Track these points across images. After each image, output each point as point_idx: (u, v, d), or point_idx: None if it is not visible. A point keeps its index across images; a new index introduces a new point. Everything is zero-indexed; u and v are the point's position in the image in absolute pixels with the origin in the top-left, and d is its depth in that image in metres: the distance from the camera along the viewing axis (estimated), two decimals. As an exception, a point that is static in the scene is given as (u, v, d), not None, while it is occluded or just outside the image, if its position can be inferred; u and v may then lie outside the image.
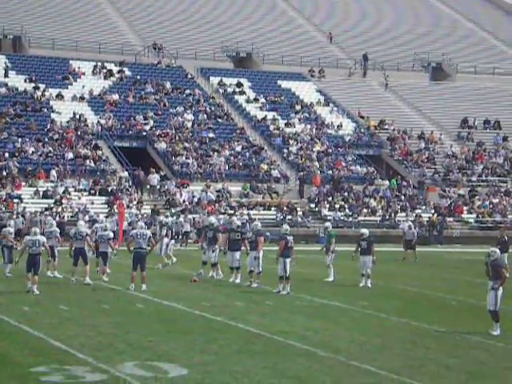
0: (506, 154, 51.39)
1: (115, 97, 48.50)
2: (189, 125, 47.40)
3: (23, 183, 39.08)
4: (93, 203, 38.31)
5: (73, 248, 20.62)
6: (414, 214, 42.30)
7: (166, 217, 30.89)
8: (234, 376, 10.90)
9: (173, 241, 27.17)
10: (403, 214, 42.06)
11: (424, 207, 44.35)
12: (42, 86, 47.69)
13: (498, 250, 15.18)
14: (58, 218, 34.55)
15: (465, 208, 45.11)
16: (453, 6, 75.19)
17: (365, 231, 22.15)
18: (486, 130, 54.64)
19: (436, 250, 38.00)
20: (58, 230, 22.43)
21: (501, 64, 63.34)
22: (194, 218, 37.44)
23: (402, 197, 45.08)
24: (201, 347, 12.75)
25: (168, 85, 51.20)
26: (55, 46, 52.91)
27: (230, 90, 52.75)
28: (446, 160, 49.69)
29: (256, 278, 20.54)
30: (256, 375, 11.00)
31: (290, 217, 40.63)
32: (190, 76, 53.42)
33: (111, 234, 21.94)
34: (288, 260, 19.46)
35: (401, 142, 50.60)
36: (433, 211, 43.60)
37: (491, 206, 45.43)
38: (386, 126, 52.34)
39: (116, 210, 36.11)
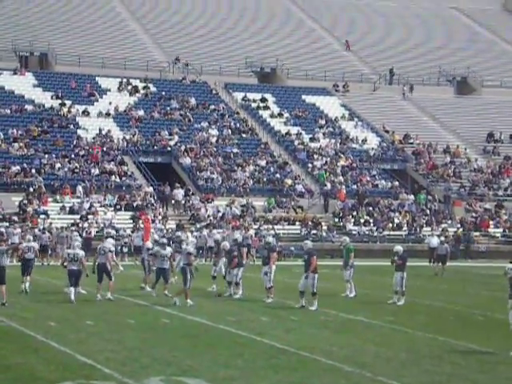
0: (532, 168, 50.94)
1: (140, 113, 48.84)
2: (213, 140, 47.57)
3: (50, 199, 39.39)
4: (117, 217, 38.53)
5: (96, 263, 20.73)
6: (440, 229, 42.02)
7: (191, 232, 31.05)
8: (260, 391, 10.87)
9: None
10: (428, 229, 41.80)
11: (450, 221, 44.05)
12: (68, 103, 48.15)
13: None
14: (84, 234, 34.81)
15: (491, 222, 44.74)
16: (478, 19, 74.93)
17: (398, 248, 21.65)
18: (513, 144, 54.24)
19: (462, 264, 37.68)
20: (83, 253, 22.43)
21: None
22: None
23: (428, 211, 44.81)
24: (226, 362, 12.73)
25: (193, 100, 51.47)
26: (81, 62, 53.43)
27: (254, 105, 52.89)
28: (472, 174, 49.37)
29: (269, 293, 20.47)
30: (281, 390, 10.96)
31: (314, 231, 40.55)
32: (214, 91, 53.65)
33: (168, 251, 21.57)
34: (316, 276, 19.37)
35: (426, 156, 50.37)
36: (459, 225, 43.29)
37: (519, 220, 45.00)
38: (411, 140, 52.17)
39: (142, 225, 36.22)
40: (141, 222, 37.13)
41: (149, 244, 24.72)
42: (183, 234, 31.62)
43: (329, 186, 44.82)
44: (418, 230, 42.60)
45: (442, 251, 31.62)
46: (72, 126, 46.33)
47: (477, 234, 43.34)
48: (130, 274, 25.81)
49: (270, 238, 28.18)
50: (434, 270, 31.12)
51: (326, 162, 47.52)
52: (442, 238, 34.45)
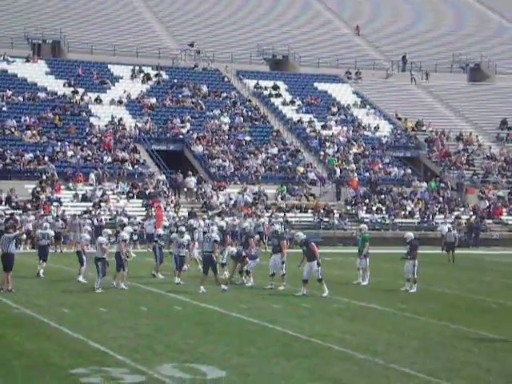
0: (546, 155, 50.67)
1: (153, 100, 48.85)
2: (225, 128, 47.54)
3: (62, 186, 39.52)
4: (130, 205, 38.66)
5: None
6: (453, 216, 41.90)
7: (204, 219, 31.08)
8: (272, 379, 10.90)
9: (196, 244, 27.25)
10: (441, 216, 41.70)
11: (463, 209, 43.91)
12: (80, 91, 48.21)
13: None
14: (96, 222, 34.93)
15: (504, 210, 44.56)
16: (492, 6, 74.37)
17: (408, 235, 21.58)
18: (526, 131, 53.93)
19: (475, 252, 37.59)
20: (89, 237, 22.69)
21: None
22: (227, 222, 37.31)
23: (441, 199, 44.68)
24: (238, 349, 12.77)
25: (205, 88, 51.43)
26: (93, 50, 53.44)
27: (266, 92, 52.80)
28: (485, 161, 49.15)
29: (282, 281, 20.52)
30: (294, 378, 10.99)
31: (326, 219, 40.52)
32: (226, 79, 53.58)
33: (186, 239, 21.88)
34: (317, 262, 19.42)
35: (439, 144, 50.18)
36: (471, 213, 43.16)
37: (531, 207, 44.81)
38: (424, 128, 51.97)
39: (154, 213, 36.32)
40: (153, 209, 37.27)
41: (160, 230, 24.84)
42: (195, 222, 31.68)
43: (338, 171, 44.77)
44: (431, 217, 42.49)
45: (451, 239, 31.66)
46: (84, 114, 46.40)
47: (490, 221, 43.18)
48: (143, 261, 25.88)
49: (277, 226, 28.15)
50: (446, 257, 31.06)
51: (339, 149, 47.42)
52: (450, 226, 34.35)
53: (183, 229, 22.60)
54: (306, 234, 21.28)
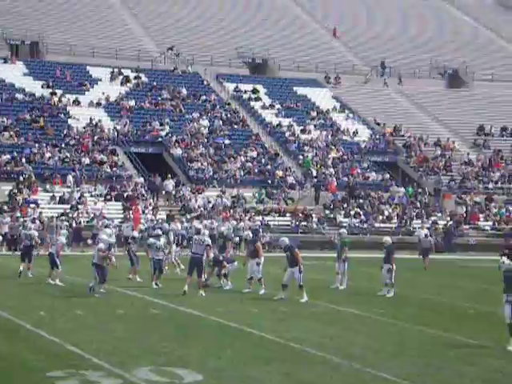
0: (522, 162, 51.12)
1: (131, 103, 48.73)
2: (204, 131, 47.51)
3: (40, 188, 39.28)
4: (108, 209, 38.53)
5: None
6: (430, 221, 42.13)
7: (182, 222, 31.02)
8: (249, 382, 10.89)
9: (177, 247, 27.25)
10: (419, 221, 41.92)
11: (440, 214, 44.17)
12: (59, 92, 47.97)
13: (506, 260, 14.57)
14: (74, 224, 34.76)
15: (481, 215, 44.90)
16: (470, 13, 74.97)
17: (386, 239, 21.72)
18: (503, 138, 54.42)
19: (451, 257, 37.81)
20: (65, 240, 22.60)
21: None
22: (206, 224, 37.28)
23: (418, 204, 44.93)
24: (215, 353, 12.75)
25: (184, 91, 51.38)
26: (72, 52, 53.21)
27: (245, 96, 52.84)
28: (463, 167, 49.50)
29: (260, 284, 20.52)
30: (271, 382, 10.99)
31: (305, 223, 40.59)
32: (205, 82, 53.56)
33: (151, 241, 21.90)
34: (298, 269, 19.43)
35: (416, 149, 50.46)
36: (449, 218, 43.43)
37: (508, 213, 45.17)
38: (402, 133, 52.25)
39: (131, 216, 36.22)
40: (130, 212, 37.16)
41: (135, 233, 24.72)
42: (173, 225, 31.62)
43: (314, 172, 44.92)
44: (408, 222, 42.71)
45: (426, 244, 31.60)
46: (63, 116, 46.18)
47: (466, 227, 43.47)
48: (120, 264, 25.75)
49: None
50: (422, 263, 31.03)
51: (317, 153, 47.54)
52: (426, 231, 34.22)
53: (159, 232, 22.53)
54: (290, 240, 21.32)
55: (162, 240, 22.04)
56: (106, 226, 24.82)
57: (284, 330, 15.19)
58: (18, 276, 22.36)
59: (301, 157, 46.92)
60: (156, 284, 21.22)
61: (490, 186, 48.14)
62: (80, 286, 20.85)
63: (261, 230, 36.94)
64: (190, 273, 19.90)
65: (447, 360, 12.87)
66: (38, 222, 33.84)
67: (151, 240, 22.15)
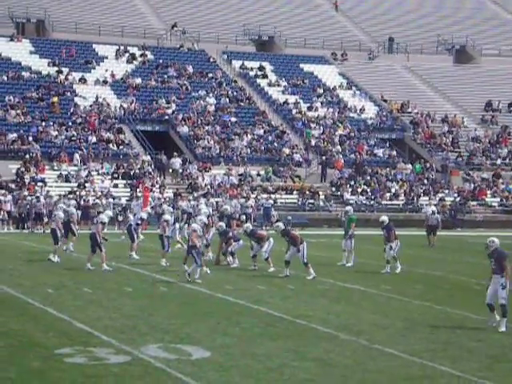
0: (530, 138, 50.92)
1: (138, 81, 48.60)
2: (211, 108, 47.40)
3: (47, 167, 39.34)
4: (116, 186, 38.59)
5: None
6: (438, 198, 42.07)
7: (189, 201, 31.08)
8: (257, 359, 10.95)
9: (177, 225, 27.30)
10: (426, 198, 41.86)
11: (447, 191, 44.09)
12: (65, 70, 47.88)
13: (496, 239, 13.80)
14: (82, 202, 34.86)
15: (488, 192, 44.81)
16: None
17: (383, 219, 21.64)
18: (511, 113, 54.14)
19: (459, 234, 37.78)
20: (63, 215, 22.73)
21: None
22: (217, 202, 37.36)
23: (425, 181, 44.84)
24: (223, 330, 12.81)
25: (190, 68, 51.20)
26: (78, 29, 53.04)
27: (252, 73, 52.65)
28: (470, 143, 49.32)
29: (268, 264, 20.55)
30: (278, 358, 11.04)
31: (311, 201, 40.59)
32: (212, 60, 53.36)
33: (167, 217, 22.02)
34: (302, 246, 19.47)
35: (424, 126, 50.28)
36: (456, 195, 43.37)
37: (515, 190, 45.07)
38: (409, 110, 52.03)
39: (139, 194, 36.28)
40: (138, 190, 37.23)
41: (143, 215, 24.77)
42: (180, 202, 31.73)
43: (313, 142, 44.84)
44: (416, 199, 42.65)
45: (433, 221, 31.33)
46: (69, 94, 46.11)
47: (474, 203, 43.40)
48: (128, 242, 25.83)
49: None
50: (427, 240, 30.75)
51: (324, 131, 47.41)
52: (434, 208, 33.38)
53: (171, 209, 22.61)
54: (288, 221, 21.41)
55: (165, 217, 22.13)
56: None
57: (291, 306, 15.24)
58: (65, 251, 22.89)
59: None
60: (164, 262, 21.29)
61: (498, 162, 47.97)
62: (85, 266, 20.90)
63: (272, 209, 37.05)
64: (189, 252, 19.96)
65: (454, 336, 12.90)
66: (42, 199, 33.77)
67: (167, 216, 22.17)
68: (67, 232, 23.15)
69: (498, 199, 44.38)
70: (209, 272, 19.60)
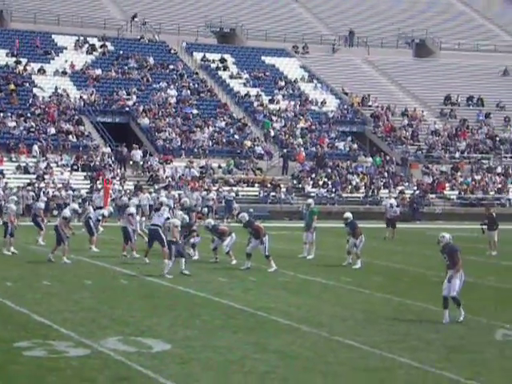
0: (488, 131, 51.59)
1: (98, 72, 48.17)
2: (172, 100, 47.18)
3: (5, 158, 38.84)
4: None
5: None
6: (398, 191, 42.45)
7: (150, 193, 30.89)
8: (218, 351, 10.95)
9: (143, 218, 27.26)
10: (386, 191, 42.21)
11: (407, 184, 44.51)
12: (23, 61, 47.26)
13: (446, 234, 13.79)
14: (42, 194, 34.50)
15: (447, 185, 45.33)
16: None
17: (347, 215, 21.52)
18: (469, 107, 54.82)
19: (417, 226, 38.17)
20: (15, 208, 22.49)
21: (484, 41, 63.41)
22: (179, 195, 37.22)
23: (385, 173, 45.20)
24: (184, 322, 12.78)
25: (151, 60, 50.89)
26: (37, 19, 52.37)
27: (213, 65, 52.51)
28: (429, 137, 49.83)
29: (229, 257, 20.59)
30: (239, 350, 11.05)
31: (273, 193, 40.67)
32: (173, 51, 53.10)
33: (132, 210, 21.85)
34: (265, 239, 19.57)
35: (384, 119, 50.65)
36: (415, 188, 43.79)
37: (473, 182, 45.67)
38: (370, 103, 52.37)
39: (99, 186, 36.02)
40: (98, 182, 36.95)
41: (105, 212, 24.55)
42: (141, 195, 31.56)
43: (272, 133, 44.91)
44: (376, 192, 42.98)
45: (391, 214, 31.06)
46: (28, 85, 45.54)
47: (433, 196, 43.88)
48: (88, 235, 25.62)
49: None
50: (385, 233, 30.71)
51: (286, 123, 47.50)
52: (392, 201, 33.05)
53: (136, 202, 22.52)
54: (250, 214, 21.43)
55: (129, 210, 22.03)
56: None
57: (252, 299, 15.27)
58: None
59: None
60: (127, 255, 21.17)
61: (457, 155, 48.55)
62: (46, 256, 20.70)
63: (234, 202, 37.03)
64: (150, 245, 20.05)
65: (413, 327, 13.03)
66: (1, 191, 33.37)
67: (132, 210, 22.03)
68: (39, 226, 23.30)
69: (457, 192, 44.94)
70: (170, 265, 19.53)
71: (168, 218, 20.06)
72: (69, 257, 20.08)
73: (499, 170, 47.63)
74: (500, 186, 45.86)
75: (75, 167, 39.38)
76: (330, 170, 44.03)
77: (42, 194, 33.52)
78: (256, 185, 41.38)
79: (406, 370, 10.35)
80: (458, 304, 13.56)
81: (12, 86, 43.77)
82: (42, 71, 46.87)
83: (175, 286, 16.58)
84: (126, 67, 49.48)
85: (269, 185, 41.21)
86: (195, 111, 46.73)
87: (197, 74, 51.10)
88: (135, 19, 55.03)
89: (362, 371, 10.24)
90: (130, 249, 21.27)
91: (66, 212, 20.65)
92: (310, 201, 24.32)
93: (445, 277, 13.75)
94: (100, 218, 23.66)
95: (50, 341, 11.22)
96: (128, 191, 36.73)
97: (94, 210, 32.70)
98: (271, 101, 49.67)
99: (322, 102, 50.84)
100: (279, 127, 47.03)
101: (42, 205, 21.54)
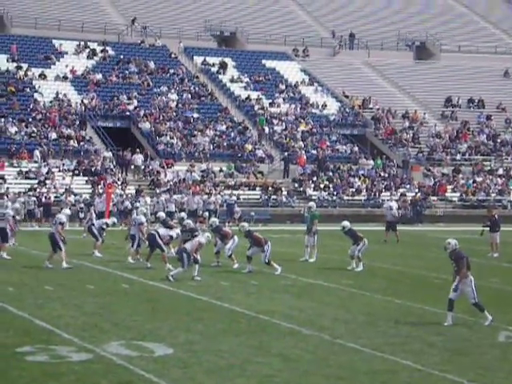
0: (489, 133, 51.59)
1: (98, 76, 48.21)
2: (173, 104, 47.21)
3: (6, 163, 38.87)
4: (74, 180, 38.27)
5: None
6: (399, 194, 42.43)
7: (151, 197, 30.91)
8: (220, 355, 10.94)
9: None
10: (387, 194, 42.19)
11: (408, 186, 44.50)
12: (24, 66, 47.30)
13: (452, 240, 13.71)
14: (43, 199, 34.52)
15: (449, 187, 45.31)
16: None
17: (345, 224, 21.42)
18: (470, 109, 54.80)
19: (419, 228, 38.15)
20: (12, 213, 22.49)
21: (485, 43, 63.43)
22: (181, 198, 37.23)
23: (387, 176, 45.18)
24: (186, 326, 12.78)
25: (152, 64, 50.93)
26: (38, 25, 52.43)
27: (213, 69, 52.54)
28: (430, 139, 49.83)
29: (232, 260, 20.57)
30: (241, 354, 11.05)
31: (274, 197, 40.67)
32: (173, 55, 53.14)
33: (143, 219, 21.75)
34: (266, 247, 19.67)
35: (385, 122, 50.66)
36: (417, 190, 43.78)
37: (475, 184, 45.66)
38: (371, 106, 52.38)
39: (101, 191, 36.01)
40: (100, 187, 36.95)
41: (109, 221, 24.42)
42: (142, 200, 31.61)
43: (267, 130, 45.25)
44: (377, 194, 42.97)
45: (390, 218, 30.79)
46: (28, 90, 45.58)
47: (434, 198, 43.86)
48: (91, 240, 25.65)
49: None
50: (384, 236, 30.40)
51: (286, 127, 47.52)
52: (392, 204, 32.34)
53: (137, 206, 22.58)
54: (251, 217, 21.50)
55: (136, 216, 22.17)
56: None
57: (254, 302, 15.27)
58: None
59: (270, 130, 46.83)
60: (136, 259, 21.17)
61: (458, 157, 48.54)
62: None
63: (235, 205, 37.04)
64: (152, 250, 20.26)
65: (415, 330, 13.03)
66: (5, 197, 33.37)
67: (143, 219, 21.90)
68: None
69: (458, 194, 44.91)
70: (172, 269, 19.55)
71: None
72: (68, 261, 20.06)
73: (500, 171, 47.61)
74: (501, 187, 45.84)
75: (77, 172, 39.39)
76: (331, 173, 44.02)
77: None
78: (257, 188, 41.37)
79: (408, 373, 10.35)
80: (482, 309, 13.60)
81: (11, 88, 43.78)
82: (42, 76, 46.90)
83: (177, 289, 16.59)
84: (127, 72, 49.52)
85: (270, 188, 41.19)
86: (196, 115, 46.75)
87: (197, 77, 51.13)
88: (134, 23, 55.06)
89: (365, 374, 10.23)
90: (134, 253, 21.27)
91: (62, 218, 20.54)
92: (312, 203, 24.34)
93: (452, 281, 13.73)
94: (104, 226, 23.60)
95: (52, 346, 11.22)
96: (130, 195, 36.74)
97: (96, 214, 32.86)
98: (272, 104, 49.68)
99: (322, 105, 50.85)
100: (280, 130, 47.03)
101: (63, 218, 20.78)
